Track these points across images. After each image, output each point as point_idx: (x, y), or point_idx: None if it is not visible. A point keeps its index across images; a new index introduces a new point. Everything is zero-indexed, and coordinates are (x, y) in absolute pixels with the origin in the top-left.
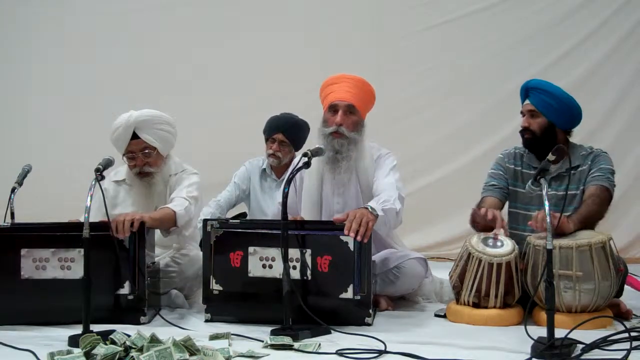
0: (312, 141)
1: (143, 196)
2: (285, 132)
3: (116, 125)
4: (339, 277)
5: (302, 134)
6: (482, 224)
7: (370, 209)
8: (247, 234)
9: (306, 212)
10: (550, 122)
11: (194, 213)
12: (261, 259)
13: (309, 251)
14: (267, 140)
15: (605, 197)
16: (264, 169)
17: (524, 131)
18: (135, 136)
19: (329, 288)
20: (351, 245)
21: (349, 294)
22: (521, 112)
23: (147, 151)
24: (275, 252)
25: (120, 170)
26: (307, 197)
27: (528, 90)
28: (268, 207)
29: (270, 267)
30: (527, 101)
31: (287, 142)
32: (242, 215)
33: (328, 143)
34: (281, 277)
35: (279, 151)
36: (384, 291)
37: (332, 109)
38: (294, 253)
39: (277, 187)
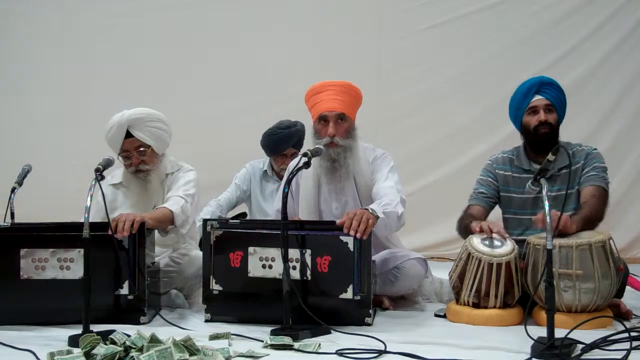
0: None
1: (141, 197)
2: (294, 145)
3: (109, 125)
4: (338, 277)
5: (304, 136)
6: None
7: (370, 211)
8: (247, 234)
9: (304, 218)
10: (559, 119)
11: (191, 210)
12: (261, 259)
13: (308, 251)
14: (274, 156)
15: (604, 197)
16: (265, 170)
17: (542, 125)
18: (129, 135)
19: (329, 288)
20: (351, 246)
21: (348, 294)
22: (530, 108)
23: (141, 149)
24: (275, 252)
25: (117, 173)
26: (304, 204)
27: (541, 86)
28: (270, 208)
29: (270, 267)
30: (539, 96)
31: (297, 152)
32: (242, 215)
33: (324, 154)
34: (281, 277)
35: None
36: (384, 291)
37: (323, 119)
38: (293, 253)
39: (278, 189)
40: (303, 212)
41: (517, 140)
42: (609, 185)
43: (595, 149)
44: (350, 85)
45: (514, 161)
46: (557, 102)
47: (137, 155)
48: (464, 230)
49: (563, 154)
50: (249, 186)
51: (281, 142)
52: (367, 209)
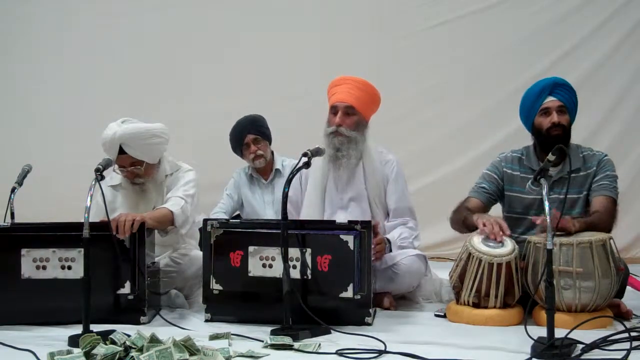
0: (316, 141)
1: (140, 198)
2: (251, 131)
3: (103, 139)
4: (339, 276)
5: (264, 123)
6: (471, 228)
7: (386, 245)
8: (247, 233)
9: (309, 208)
10: (571, 120)
11: (191, 210)
12: (261, 258)
13: (309, 250)
14: (241, 150)
15: (613, 209)
16: (250, 174)
17: (555, 127)
18: (122, 151)
19: (329, 287)
20: (351, 245)
21: (349, 293)
22: (543, 109)
23: (136, 165)
24: (275, 252)
25: (115, 175)
26: (311, 194)
27: (554, 87)
28: (262, 209)
29: (270, 266)
30: (552, 98)
31: (259, 138)
32: (239, 217)
33: (330, 142)
34: (281, 276)
35: (259, 149)
36: (384, 288)
37: (333, 110)
38: (294, 252)
39: (266, 188)
40: (309, 202)
41: (518, 140)
42: (618, 195)
43: (607, 156)
44: (366, 83)
45: (523, 161)
46: (570, 103)
47: (132, 170)
48: (462, 223)
49: (574, 157)
50: (239, 194)
51: (237, 132)
52: (387, 243)
